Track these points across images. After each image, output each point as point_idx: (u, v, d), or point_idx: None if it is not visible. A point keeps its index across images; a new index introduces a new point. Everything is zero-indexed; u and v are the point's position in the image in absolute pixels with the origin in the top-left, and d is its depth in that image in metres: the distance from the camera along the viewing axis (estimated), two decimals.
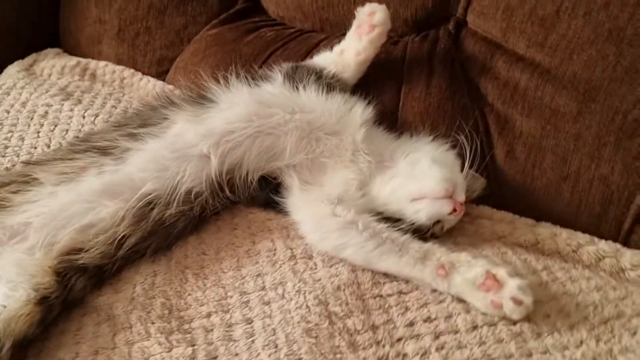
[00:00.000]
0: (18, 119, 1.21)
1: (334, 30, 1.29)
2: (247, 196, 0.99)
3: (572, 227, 1.05)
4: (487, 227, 1.05)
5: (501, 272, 0.85)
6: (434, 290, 0.88)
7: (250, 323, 0.83)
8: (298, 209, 0.96)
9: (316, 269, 0.91)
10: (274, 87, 1.06)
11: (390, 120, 1.15)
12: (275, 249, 0.95)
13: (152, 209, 0.90)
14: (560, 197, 1.06)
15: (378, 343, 0.81)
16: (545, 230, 1.03)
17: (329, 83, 1.09)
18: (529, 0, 1.07)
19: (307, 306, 0.85)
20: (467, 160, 1.04)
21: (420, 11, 1.21)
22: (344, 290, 0.87)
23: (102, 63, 1.39)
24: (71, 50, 1.46)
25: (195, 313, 0.85)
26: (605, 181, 1.02)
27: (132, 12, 1.37)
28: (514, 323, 0.83)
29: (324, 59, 1.15)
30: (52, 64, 1.40)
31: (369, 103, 1.10)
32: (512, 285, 0.83)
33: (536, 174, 1.07)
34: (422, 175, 0.98)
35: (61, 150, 1.01)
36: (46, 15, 1.49)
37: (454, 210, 0.94)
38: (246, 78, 1.07)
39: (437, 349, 0.80)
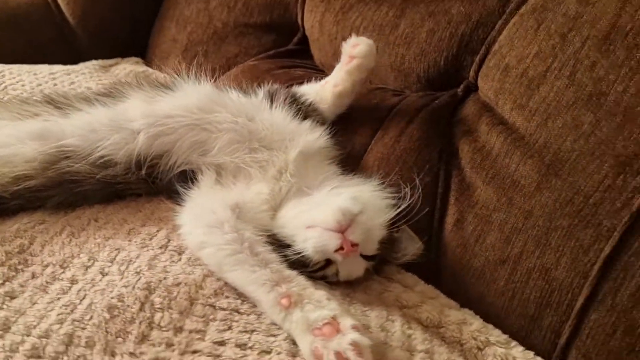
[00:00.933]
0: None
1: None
2: (160, 183, 1.04)
3: (499, 327, 0.87)
4: (394, 293, 0.95)
5: (347, 322, 0.77)
6: (274, 324, 0.83)
7: (72, 283, 0.86)
8: (192, 200, 0.98)
9: (175, 263, 0.93)
10: (240, 96, 1.11)
11: (354, 163, 1.11)
12: (154, 235, 0.99)
13: (63, 159, 1.01)
14: (493, 284, 0.91)
15: (169, 345, 0.78)
16: (456, 314, 0.89)
17: (304, 110, 1.12)
18: (525, 61, 0.99)
19: (133, 287, 0.85)
20: (406, 216, 0.97)
21: (432, 68, 1.20)
22: (181, 287, 0.87)
23: (160, 74, 1.61)
24: (149, 61, 1.74)
25: (39, 260, 0.90)
26: (546, 275, 0.86)
27: (199, 35, 1.61)
28: None
29: (308, 88, 1.21)
30: (125, 68, 1.66)
31: (336, 139, 1.10)
32: (347, 339, 0.75)
33: (476, 251, 0.94)
34: (326, 204, 0.93)
35: (34, 98, 1.19)
36: (145, 25, 1.78)
37: (341, 248, 0.87)
38: (230, 87, 1.15)
39: None
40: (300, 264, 0.92)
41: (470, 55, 1.15)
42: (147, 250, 0.93)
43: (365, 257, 0.94)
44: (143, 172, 1.03)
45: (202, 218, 0.93)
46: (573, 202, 0.85)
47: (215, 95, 1.11)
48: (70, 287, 0.84)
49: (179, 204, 1.01)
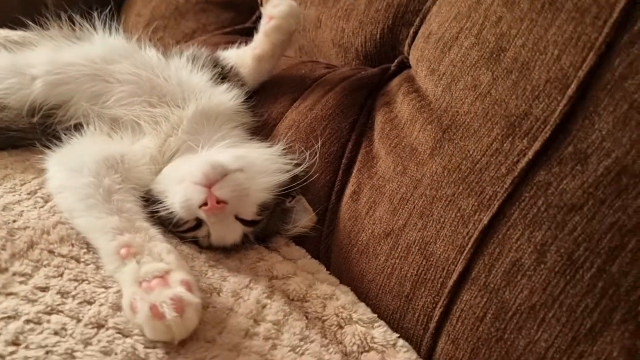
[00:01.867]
0: None
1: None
2: (53, 134, 0.98)
3: (375, 308, 0.77)
4: (269, 262, 0.85)
5: (177, 276, 0.70)
6: (111, 277, 0.75)
7: None
8: (68, 146, 0.91)
9: (34, 209, 0.86)
10: (157, 55, 1.05)
11: (267, 133, 1.03)
12: (27, 182, 0.92)
13: None
14: (375, 260, 0.81)
15: None
16: (324, 289, 0.79)
17: (223, 74, 1.05)
18: (444, 25, 0.90)
19: None
20: (301, 184, 0.89)
21: (369, 42, 1.12)
22: (26, 231, 0.80)
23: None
24: None
25: None
26: (425, 249, 0.75)
27: (162, 10, 1.57)
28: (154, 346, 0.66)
29: (231, 52, 1.14)
30: None
31: (252, 106, 1.03)
32: (168, 292, 0.67)
33: (365, 224, 0.84)
34: (204, 156, 0.85)
35: None
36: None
37: (205, 203, 0.79)
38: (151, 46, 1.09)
39: (29, 322, 0.66)
40: (170, 223, 0.85)
41: (406, 28, 1.06)
42: (13, 195, 0.86)
43: (243, 222, 0.86)
44: (35, 119, 0.97)
45: (67, 162, 0.86)
46: (460, 169, 0.75)
47: (124, 48, 1.04)
48: None
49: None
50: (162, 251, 0.73)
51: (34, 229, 0.78)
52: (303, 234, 0.90)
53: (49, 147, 0.94)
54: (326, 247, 0.89)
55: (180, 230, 0.85)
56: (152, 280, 0.69)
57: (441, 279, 0.72)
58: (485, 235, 0.69)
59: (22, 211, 0.83)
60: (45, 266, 0.74)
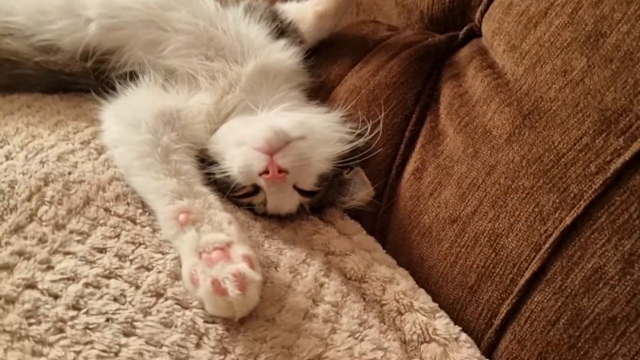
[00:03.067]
0: None
1: None
2: (105, 80, 0.93)
3: (434, 296, 0.74)
4: (326, 237, 0.83)
5: (238, 250, 0.66)
6: (168, 242, 0.72)
7: None
8: (123, 98, 0.87)
9: (89, 161, 0.82)
10: (214, 4, 0.99)
11: (324, 95, 0.98)
12: (81, 131, 0.88)
13: (6, 36, 0.91)
14: (437, 245, 0.77)
15: (41, 241, 0.67)
16: (384, 271, 0.76)
17: (281, 28, 0.99)
18: None
19: (30, 176, 0.75)
20: (362, 156, 0.84)
21: (437, 5, 1.05)
22: (82, 185, 0.76)
23: None
24: None
25: None
26: (495, 241, 0.71)
27: None
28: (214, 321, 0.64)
29: (291, 6, 1.07)
30: None
31: (310, 65, 0.97)
32: (231, 268, 0.63)
33: (429, 205, 0.80)
34: (266, 121, 0.81)
35: None
36: None
37: (266, 171, 0.75)
38: None
39: (88, 285, 0.64)
40: (226, 187, 0.81)
41: None
42: (66, 144, 0.82)
43: (301, 192, 0.82)
44: (89, 64, 0.92)
45: (123, 115, 0.82)
46: (542, 161, 0.70)
47: None
48: None
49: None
50: (222, 220, 0.70)
51: (89, 183, 0.75)
52: (359, 208, 0.87)
53: (101, 95, 0.90)
54: (383, 224, 0.86)
55: (236, 195, 0.82)
56: (212, 252, 0.66)
57: (511, 276, 0.68)
58: (566, 236, 0.65)
59: (77, 162, 0.79)
60: (102, 225, 0.71)
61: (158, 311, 0.63)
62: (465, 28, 1.01)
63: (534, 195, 0.69)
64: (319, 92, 0.99)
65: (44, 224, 0.69)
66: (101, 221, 0.71)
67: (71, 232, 0.69)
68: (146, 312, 0.62)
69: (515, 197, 0.71)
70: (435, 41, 0.99)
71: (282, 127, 0.78)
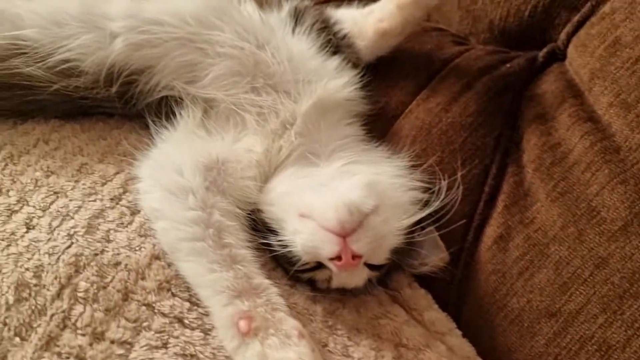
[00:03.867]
0: None
1: None
2: (134, 107, 0.78)
3: None
4: (394, 323, 0.71)
5: None
6: (222, 349, 0.60)
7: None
8: (162, 146, 0.73)
9: (123, 228, 0.68)
10: (256, 11, 0.83)
11: (383, 126, 0.84)
12: (109, 180, 0.74)
13: (16, 56, 0.75)
14: (530, 339, 0.68)
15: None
16: None
17: (335, 43, 0.84)
18: None
19: (58, 258, 0.62)
20: (434, 216, 0.73)
21: (513, 18, 0.89)
22: (118, 270, 0.64)
23: None
24: None
25: None
26: (605, 354, 0.61)
27: None
28: None
29: (346, 14, 0.90)
30: None
31: (367, 90, 0.82)
32: None
33: (518, 287, 0.70)
34: (331, 188, 0.68)
35: None
36: None
37: (338, 257, 0.63)
38: None
39: None
40: (285, 259, 0.70)
41: (567, 12, 0.84)
42: (94, 201, 0.69)
43: (371, 267, 0.71)
44: (114, 89, 0.76)
45: (164, 177, 0.68)
46: None
47: (221, 5, 0.82)
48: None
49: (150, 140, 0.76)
50: (291, 332, 0.59)
51: (127, 268, 0.63)
52: (430, 274, 0.76)
53: (129, 118, 0.76)
54: (458, 296, 0.75)
55: (296, 269, 0.70)
56: None
57: None
58: None
59: (108, 231, 0.66)
60: (145, 329, 0.59)
61: None
62: (545, 50, 0.86)
63: None
64: (376, 123, 0.85)
65: (79, 332, 0.57)
66: (144, 324, 0.60)
67: (112, 342, 0.58)
68: None
69: (634, 305, 0.61)
70: (515, 69, 0.84)
71: (356, 202, 0.65)
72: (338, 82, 0.80)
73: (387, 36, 0.86)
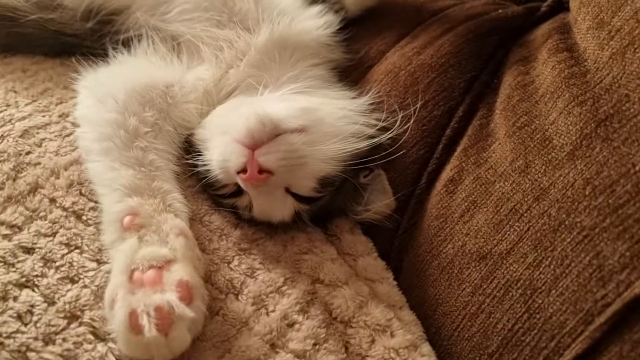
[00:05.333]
0: None
1: None
2: (99, 43, 0.81)
3: (445, 355, 0.55)
4: (318, 258, 0.64)
5: (174, 275, 0.52)
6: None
7: None
8: (114, 66, 0.74)
9: (58, 139, 0.69)
10: None
11: (359, 74, 0.80)
12: (65, 102, 0.76)
13: None
14: (458, 288, 0.57)
15: None
16: (378, 316, 0.58)
17: None
18: None
19: None
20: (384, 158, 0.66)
21: None
22: (35, 168, 0.65)
23: None
24: None
25: None
26: (530, 297, 0.50)
27: None
28: None
29: None
30: None
31: (346, 39, 0.79)
32: (156, 298, 0.49)
33: (455, 231, 0.60)
34: (255, 106, 0.65)
35: None
36: None
37: (244, 169, 0.59)
38: None
39: None
40: (210, 184, 0.66)
41: None
42: (42, 116, 0.71)
43: (296, 197, 0.65)
44: (90, 24, 0.80)
45: (96, 88, 0.69)
46: (613, 190, 0.47)
47: None
48: None
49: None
50: (171, 230, 0.55)
51: (44, 167, 0.64)
52: (374, 221, 0.68)
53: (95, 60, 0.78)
54: (401, 245, 0.66)
55: (218, 194, 0.67)
56: (146, 271, 0.51)
57: (546, 352, 0.47)
58: (634, 310, 0.42)
59: (44, 140, 0.67)
60: (40, 219, 0.59)
61: (64, 340, 0.49)
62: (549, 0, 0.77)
63: (595, 240, 0.46)
64: (352, 73, 0.80)
65: None
66: (41, 214, 0.59)
67: (1, 223, 0.58)
68: (48, 340, 0.49)
69: (567, 238, 0.49)
70: (507, 14, 0.76)
71: (270, 113, 0.61)
72: (307, 22, 0.77)
73: None
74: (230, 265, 0.59)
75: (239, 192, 0.65)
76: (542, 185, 0.53)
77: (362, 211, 0.68)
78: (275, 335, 0.53)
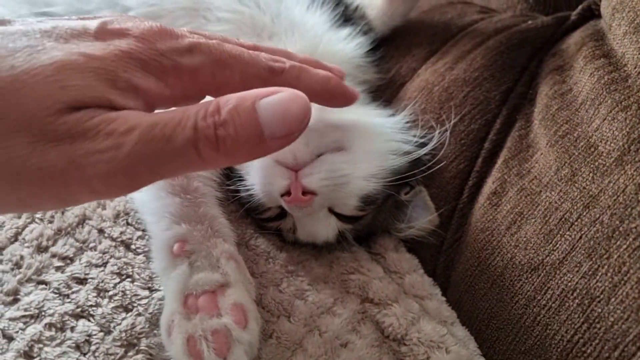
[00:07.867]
0: None
1: None
2: None
3: None
4: (365, 277, 0.64)
5: (229, 299, 0.52)
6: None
7: None
8: None
9: None
10: None
11: (391, 93, 0.80)
12: None
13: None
14: (511, 301, 0.56)
15: (17, 266, 0.58)
16: (431, 333, 0.58)
17: (345, 15, 0.83)
18: None
19: None
20: (423, 172, 0.66)
21: None
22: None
23: None
24: None
25: None
26: (589, 307, 0.49)
27: None
28: None
29: None
30: None
31: (377, 59, 0.80)
32: (213, 323, 0.49)
33: (503, 244, 0.59)
34: None
35: None
36: None
37: (288, 192, 0.59)
38: None
39: (51, 326, 0.53)
40: (253, 209, 0.67)
41: None
42: None
43: (340, 217, 0.65)
44: None
45: None
46: None
47: None
48: None
49: None
50: (221, 255, 0.55)
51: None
52: (418, 238, 0.68)
53: None
54: (447, 260, 0.66)
55: (262, 218, 0.67)
56: (200, 297, 0.52)
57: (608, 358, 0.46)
58: None
59: None
60: (91, 249, 0.60)
61: None
62: (580, 7, 0.77)
63: None
64: (385, 92, 0.81)
65: (25, 245, 0.59)
66: (91, 244, 0.60)
67: (53, 256, 0.59)
68: None
69: (623, 245, 0.48)
70: (537, 24, 0.76)
71: (312, 135, 0.61)
72: (339, 44, 0.78)
73: (395, 1, 0.82)
74: (279, 288, 0.59)
75: (282, 214, 0.66)
76: (591, 192, 0.53)
77: (405, 228, 0.68)
78: (330, 355, 0.53)
